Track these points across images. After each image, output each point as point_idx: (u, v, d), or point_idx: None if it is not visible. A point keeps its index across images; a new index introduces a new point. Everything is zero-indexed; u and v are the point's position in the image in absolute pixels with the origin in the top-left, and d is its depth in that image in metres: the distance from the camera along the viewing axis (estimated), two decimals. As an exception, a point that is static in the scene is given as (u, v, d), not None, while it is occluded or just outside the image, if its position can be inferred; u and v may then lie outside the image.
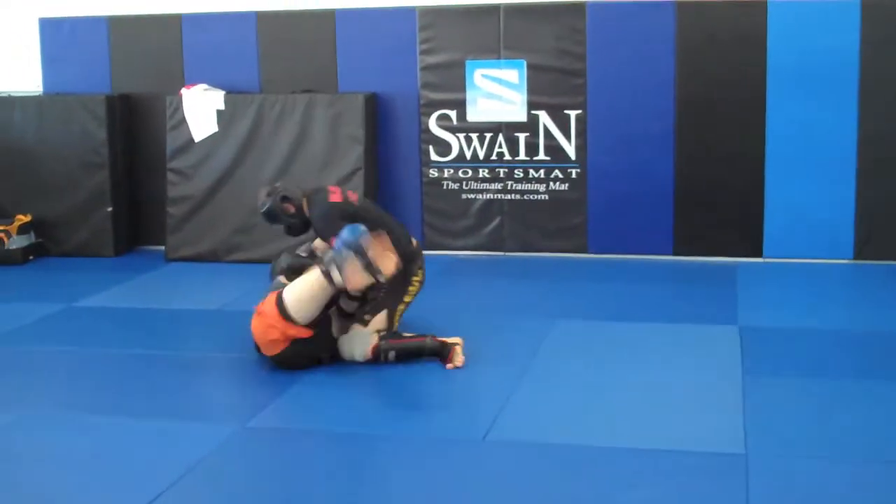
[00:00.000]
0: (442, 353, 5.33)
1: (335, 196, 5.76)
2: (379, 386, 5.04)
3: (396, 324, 5.62)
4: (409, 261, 5.64)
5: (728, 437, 4.36)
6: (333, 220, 5.50)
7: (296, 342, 5.14)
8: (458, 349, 5.34)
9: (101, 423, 4.71)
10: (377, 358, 5.32)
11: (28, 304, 6.85)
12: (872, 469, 4.05)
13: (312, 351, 5.24)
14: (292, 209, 5.71)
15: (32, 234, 8.30)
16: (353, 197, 5.91)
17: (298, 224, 5.76)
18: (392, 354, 5.33)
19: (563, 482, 4.02)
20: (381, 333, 5.39)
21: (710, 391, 4.98)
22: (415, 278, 5.72)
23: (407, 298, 5.70)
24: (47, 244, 8.40)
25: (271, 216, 5.78)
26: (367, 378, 5.06)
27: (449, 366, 5.28)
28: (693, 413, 4.71)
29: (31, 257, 8.23)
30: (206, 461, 4.27)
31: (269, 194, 5.76)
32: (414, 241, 5.89)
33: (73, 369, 5.58)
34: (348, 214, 5.54)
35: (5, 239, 8.08)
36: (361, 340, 5.35)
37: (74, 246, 8.38)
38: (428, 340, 5.35)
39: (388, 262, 5.19)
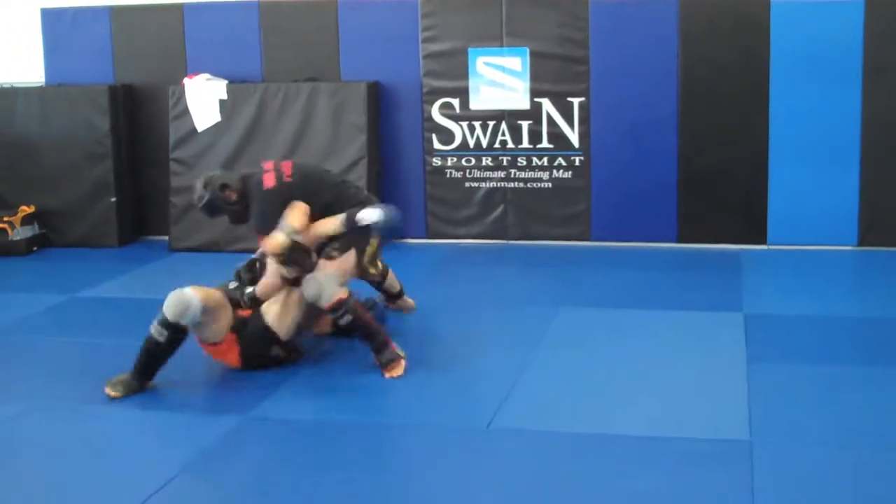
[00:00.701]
0: (383, 357, 5.09)
1: (269, 180, 5.29)
2: (381, 375, 5.04)
3: (368, 265, 5.44)
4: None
5: (732, 424, 4.36)
6: (271, 214, 5.19)
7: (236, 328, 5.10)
8: (402, 363, 5.10)
9: (105, 414, 4.72)
10: (335, 311, 5.10)
11: (32, 295, 6.86)
12: (877, 455, 4.05)
13: (259, 332, 5.15)
14: (234, 196, 5.30)
15: (36, 224, 8.31)
16: (288, 170, 5.36)
17: (241, 210, 5.38)
18: (347, 319, 5.08)
19: (568, 469, 4.02)
20: (348, 294, 5.14)
21: (714, 378, 4.97)
22: (373, 240, 5.43)
23: (373, 240, 5.40)
24: (51, 235, 8.40)
25: (212, 208, 5.39)
26: (370, 367, 5.05)
27: (386, 374, 5.06)
28: (697, 400, 4.71)
29: (34, 248, 8.24)
30: (209, 451, 4.28)
31: (205, 185, 5.32)
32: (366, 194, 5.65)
33: (78, 360, 5.59)
34: (285, 198, 5.24)
35: (9, 230, 8.09)
36: (331, 284, 5.10)
37: (78, 237, 8.39)
38: (380, 337, 5.12)
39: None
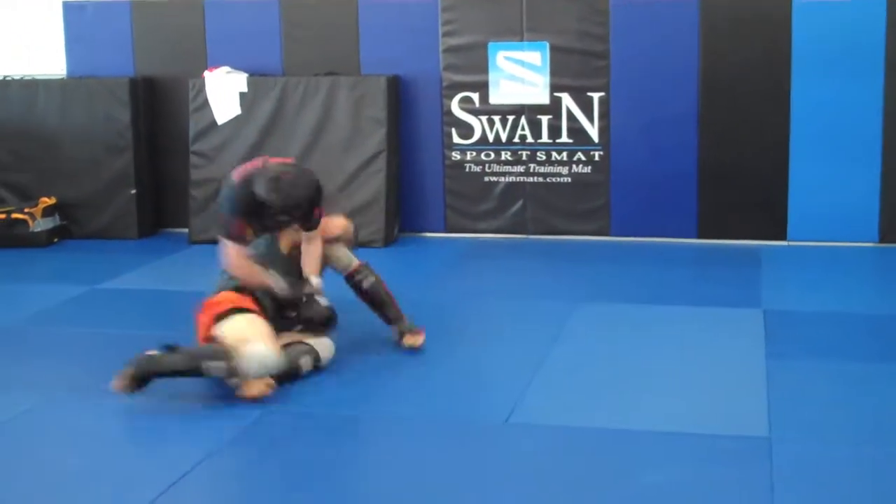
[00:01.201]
0: (403, 325, 5.33)
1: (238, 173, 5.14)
2: (400, 369, 5.05)
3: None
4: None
5: (751, 421, 4.35)
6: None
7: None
8: (422, 334, 5.32)
9: (124, 405, 4.73)
10: (358, 273, 5.38)
11: (52, 286, 6.89)
12: (897, 453, 4.04)
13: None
14: None
15: (57, 216, 8.35)
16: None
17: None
18: (370, 281, 5.36)
19: (586, 465, 4.02)
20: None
21: (733, 374, 4.96)
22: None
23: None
24: (71, 226, 8.44)
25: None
26: (389, 361, 5.06)
27: (407, 342, 5.28)
28: (716, 396, 4.69)
29: (55, 239, 8.28)
30: (230, 443, 4.29)
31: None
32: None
33: (97, 351, 5.61)
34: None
35: (30, 221, 8.13)
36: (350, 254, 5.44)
37: (98, 228, 8.42)
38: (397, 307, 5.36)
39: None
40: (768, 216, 7.59)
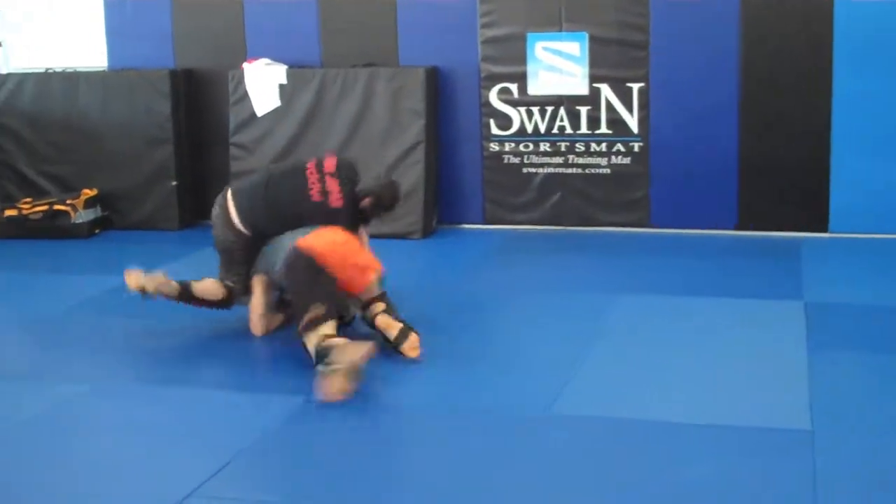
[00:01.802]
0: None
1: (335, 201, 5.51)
2: (442, 359, 5.05)
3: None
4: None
5: (794, 413, 4.32)
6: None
7: None
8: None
9: (170, 394, 4.78)
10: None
11: (94, 277, 6.96)
12: (942, 446, 4.00)
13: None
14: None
15: (98, 208, 8.42)
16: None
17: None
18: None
19: (627, 456, 4.01)
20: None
21: (775, 367, 4.93)
22: None
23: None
24: (113, 218, 8.52)
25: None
26: (430, 352, 5.06)
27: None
28: (758, 389, 4.67)
29: (97, 231, 8.35)
30: (272, 432, 4.32)
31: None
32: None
33: (139, 341, 5.66)
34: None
35: (72, 213, 8.21)
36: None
37: (139, 219, 8.49)
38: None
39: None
40: (809, 207, 7.53)
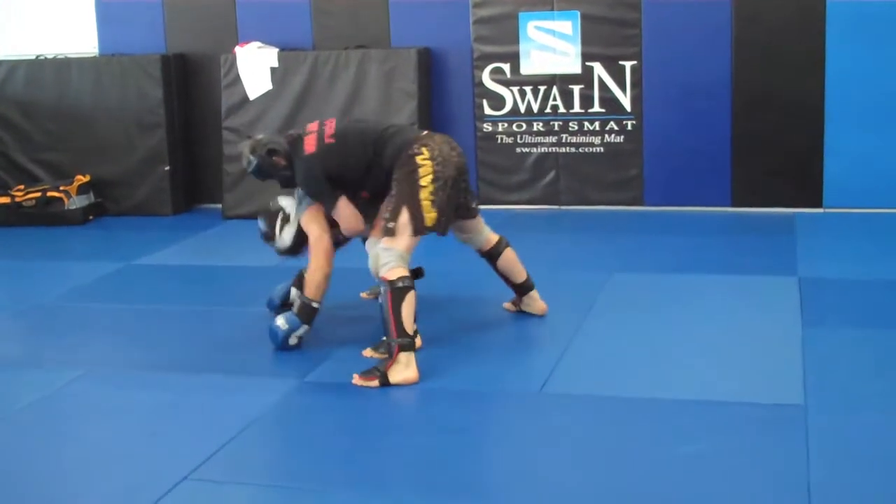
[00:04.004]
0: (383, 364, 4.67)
1: (309, 145, 5.05)
2: (435, 339, 5.05)
3: (432, 216, 4.80)
4: (389, 150, 4.95)
5: (787, 389, 4.33)
6: (314, 180, 5.03)
7: None
8: (374, 382, 4.57)
9: (162, 379, 4.78)
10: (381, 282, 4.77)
11: (89, 263, 6.96)
12: (935, 420, 4.01)
13: None
14: (282, 162, 5.11)
15: (92, 194, 8.42)
16: (330, 130, 5.08)
17: (290, 176, 5.18)
18: (381, 298, 4.70)
19: (620, 434, 4.02)
20: (401, 278, 4.67)
21: (768, 343, 4.94)
22: (419, 157, 4.83)
23: (424, 183, 4.80)
24: (106, 204, 8.51)
25: (262, 173, 5.20)
26: (423, 332, 5.05)
27: (356, 379, 4.64)
28: (751, 365, 4.68)
29: (90, 217, 8.35)
30: (265, 415, 4.33)
31: (253, 150, 5.14)
32: (423, 131, 5.14)
33: (134, 326, 5.67)
34: (326, 163, 5.00)
35: (65, 199, 8.20)
36: (383, 259, 4.73)
37: (133, 205, 8.49)
38: (394, 340, 4.61)
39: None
40: (803, 183, 7.53)
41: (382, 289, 4.67)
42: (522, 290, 5.42)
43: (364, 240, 5.22)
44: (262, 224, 5.45)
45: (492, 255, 5.34)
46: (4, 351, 5.44)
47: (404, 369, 4.59)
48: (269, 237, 5.42)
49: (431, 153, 4.84)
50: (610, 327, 5.24)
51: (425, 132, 5.06)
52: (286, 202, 5.33)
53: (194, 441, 4.07)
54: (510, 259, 5.36)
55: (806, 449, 3.77)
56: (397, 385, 4.56)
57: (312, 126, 5.20)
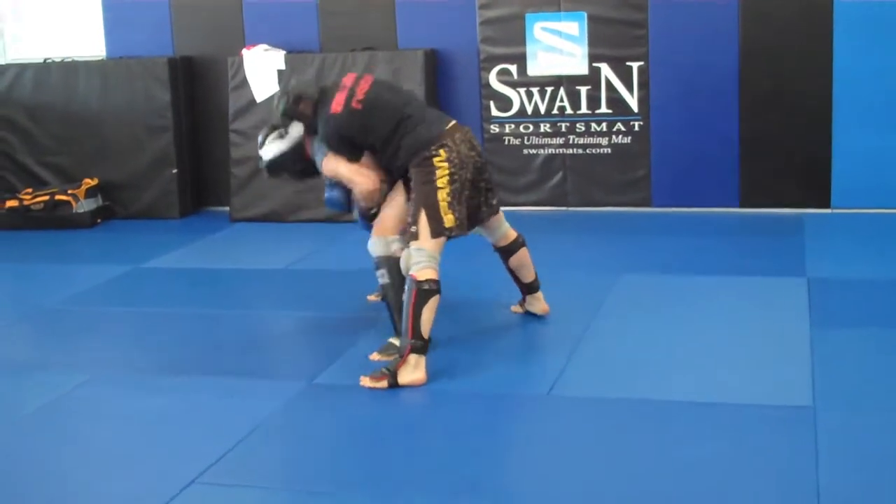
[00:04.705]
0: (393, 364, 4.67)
1: (337, 103, 4.93)
2: (443, 342, 5.04)
3: (451, 217, 4.76)
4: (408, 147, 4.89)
5: (796, 390, 4.31)
6: (335, 139, 4.97)
7: None
8: (384, 382, 4.58)
9: (169, 382, 4.78)
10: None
11: (97, 266, 6.96)
12: (945, 421, 3.99)
13: None
14: (308, 110, 5.02)
15: (100, 197, 8.43)
16: (361, 93, 4.96)
17: (313, 125, 5.05)
18: (405, 295, 4.68)
19: (630, 436, 4.01)
20: (428, 280, 4.65)
21: (777, 344, 4.92)
22: (436, 159, 4.79)
23: (441, 185, 4.77)
24: (114, 207, 8.52)
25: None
26: (432, 334, 5.04)
27: (363, 380, 4.67)
28: (760, 366, 4.66)
29: (98, 220, 8.36)
30: (273, 418, 4.32)
31: (283, 93, 5.10)
32: (447, 123, 4.96)
33: (142, 329, 5.67)
34: (347, 127, 4.94)
35: (73, 203, 8.21)
36: (414, 258, 4.71)
37: (141, 208, 8.49)
38: (406, 341, 4.62)
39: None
40: (811, 184, 7.51)
41: (408, 286, 4.67)
42: (529, 289, 5.41)
43: (367, 222, 5.19)
44: (260, 134, 5.37)
45: (507, 252, 5.33)
46: (12, 354, 5.44)
47: (413, 371, 4.60)
48: (259, 146, 5.32)
49: (449, 154, 4.82)
50: (618, 329, 5.23)
51: (447, 127, 4.93)
52: (296, 128, 5.23)
53: (202, 444, 4.07)
54: (523, 258, 5.35)
55: (815, 450, 3.76)
56: (405, 386, 4.56)
57: (347, 80, 5.07)
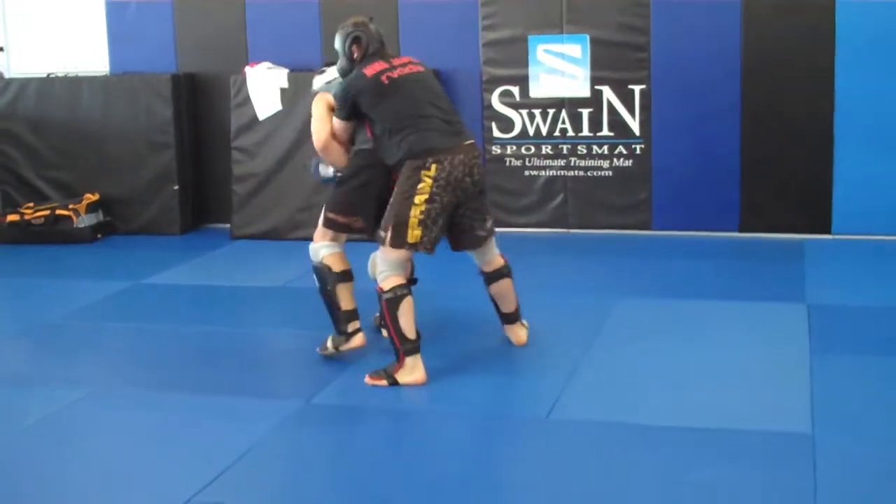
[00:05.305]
0: (390, 366, 4.85)
1: (374, 67, 5.00)
2: (442, 363, 5.03)
3: (416, 233, 4.81)
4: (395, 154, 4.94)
5: (795, 417, 4.31)
6: (346, 94, 5.01)
7: None
8: (383, 383, 4.80)
9: (167, 399, 4.78)
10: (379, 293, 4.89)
11: (96, 282, 6.95)
12: (944, 450, 3.98)
13: None
14: (355, 55, 5.08)
15: (100, 212, 8.42)
16: (401, 70, 5.03)
17: (345, 68, 5.13)
18: (381, 303, 4.83)
19: (627, 461, 4.00)
20: (392, 288, 4.78)
21: (776, 370, 4.92)
22: (424, 173, 4.81)
23: (418, 202, 4.80)
24: (115, 222, 8.52)
25: (339, 46, 5.15)
26: (430, 356, 5.04)
27: (368, 378, 4.86)
28: (759, 392, 4.66)
29: (99, 235, 8.35)
30: (270, 437, 4.31)
31: (351, 23, 5.19)
32: (459, 140, 4.98)
33: (140, 346, 5.66)
34: (366, 93, 4.96)
35: (74, 217, 8.21)
36: (379, 268, 4.90)
37: (141, 224, 8.49)
38: (398, 347, 4.80)
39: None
40: (812, 209, 7.50)
41: (379, 300, 4.82)
42: (506, 319, 5.38)
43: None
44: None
45: (489, 278, 5.31)
46: (11, 369, 5.44)
47: (412, 371, 4.77)
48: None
49: (438, 173, 4.83)
50: (617, 352, 5.22)
51: (455, 144, 4.93)
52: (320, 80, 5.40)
53: (199, 462, 4.06)
54: (505, 288, 5.30)
55: (813, 477, 3.75)
56: (407, 385, 4.75)
57: (399, 60, 5.14)
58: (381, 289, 4.81)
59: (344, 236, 5.30)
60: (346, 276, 5.19)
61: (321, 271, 5.20)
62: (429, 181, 4.82)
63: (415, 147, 4.87)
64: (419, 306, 4.90)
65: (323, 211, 5.29)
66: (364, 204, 5.15)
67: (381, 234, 4.87)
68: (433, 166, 4.82)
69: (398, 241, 4.83)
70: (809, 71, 7.37)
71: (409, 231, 4.81)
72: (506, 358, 5.21)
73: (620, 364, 5.06)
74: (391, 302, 4.76)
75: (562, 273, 6.90)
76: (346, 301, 5.16)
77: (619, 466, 3.96)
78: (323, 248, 5.22)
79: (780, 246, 7.33)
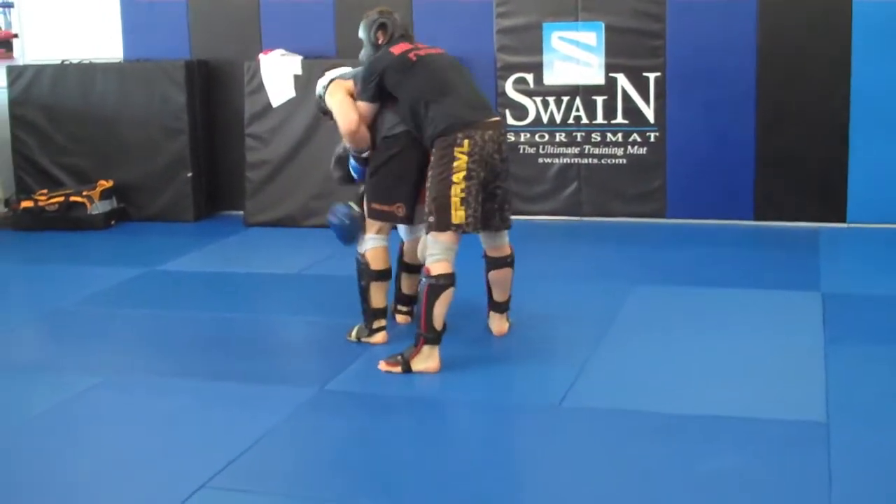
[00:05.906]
0: (408, 350, 4.84)
1: (400, 47, 5.07)
2: (455, 350, 5.03)
3: (461, 213, 4.76)
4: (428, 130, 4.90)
5: (809, 406, 4.29)
6: (372, 72, 5.01)
7: None
8: (397, 369, 4.79)
9: (181, 386, 4.78)
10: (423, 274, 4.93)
11: (110, 269, 6.97)
12: (959, 439, 3.96)
13: None
14: (381, 40, 5.15)
15: (114, 199, 8.44)
16: (426, 49, 5.12)
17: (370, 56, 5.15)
18: (420, 287, 4.96)
19: (641, 449, 3.99)
20: (438, 275, 4.76)
21: (791, 358, 4.90)
22: (458, 150, 4.78)
23: (456, 180, 4.76)
24: (129, 209, 8.53)
25: (366, 36, 5.19)
26: (444, 343, 5.04)
27: (381, 364, 4.87)
28: (773, 380, 4.64)
29: (113, 222, 8.37)
30: (284, 424, 4.32)
31: (377, 12, 5.26)
32: (486, 116, 4.96)
33: (154, 332, 5.67)
34: (393, 70, 4.99)
35: (88, 204, 8.22)
36: (430, 250, 4.84)
37: (155, 211, 8.50)
38: (424, 334, 4.78)
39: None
40: (827, 198, 7.47)
41: (422, 281, 4.83)
42: (495, 307, 5.35)
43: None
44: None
45: (494, 263, 5.28)
46: (24, 355, 5.46)
47: (426, 359, 4.77)
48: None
49: (472, 148, 4.80)
50: (631, 340, 5.21)
51: (483, 119, 4.91)
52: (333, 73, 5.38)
53: (213, 449, 4.07)
54: (504, 276, 5.28)
55: (828, 466, 3.74)
56: (419, 372, 4.75)
57: (424, 46, 5.19)
58: (427, 271, 4.79)
59: (388, 226, 5.28)
60: (382, 275, 5.18)
61: (360, 265, 5.20)
62: (464, 157, 4.78)
63: (445, 119, 4.83)
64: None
65: (365, 202, 5.26)
66: (402, 190, 5.10)
67: (430, 219, 4.82)
68: (465, 142, 4.79)
69: (443, 224, 4.78)
70: (825, 59, 7.33)
71: (453, 212, 4.77)
72: (519, 346, 5.20)
73: (634, 352, 5.05)
74: (433, 288, 4.74)
75: (576, 261, 6.89)
76: (377, 299, 5.17)
77: (633, 454, 3.95)
78: (369, 241, 5.21)
79: (795, 234, 7.31)
